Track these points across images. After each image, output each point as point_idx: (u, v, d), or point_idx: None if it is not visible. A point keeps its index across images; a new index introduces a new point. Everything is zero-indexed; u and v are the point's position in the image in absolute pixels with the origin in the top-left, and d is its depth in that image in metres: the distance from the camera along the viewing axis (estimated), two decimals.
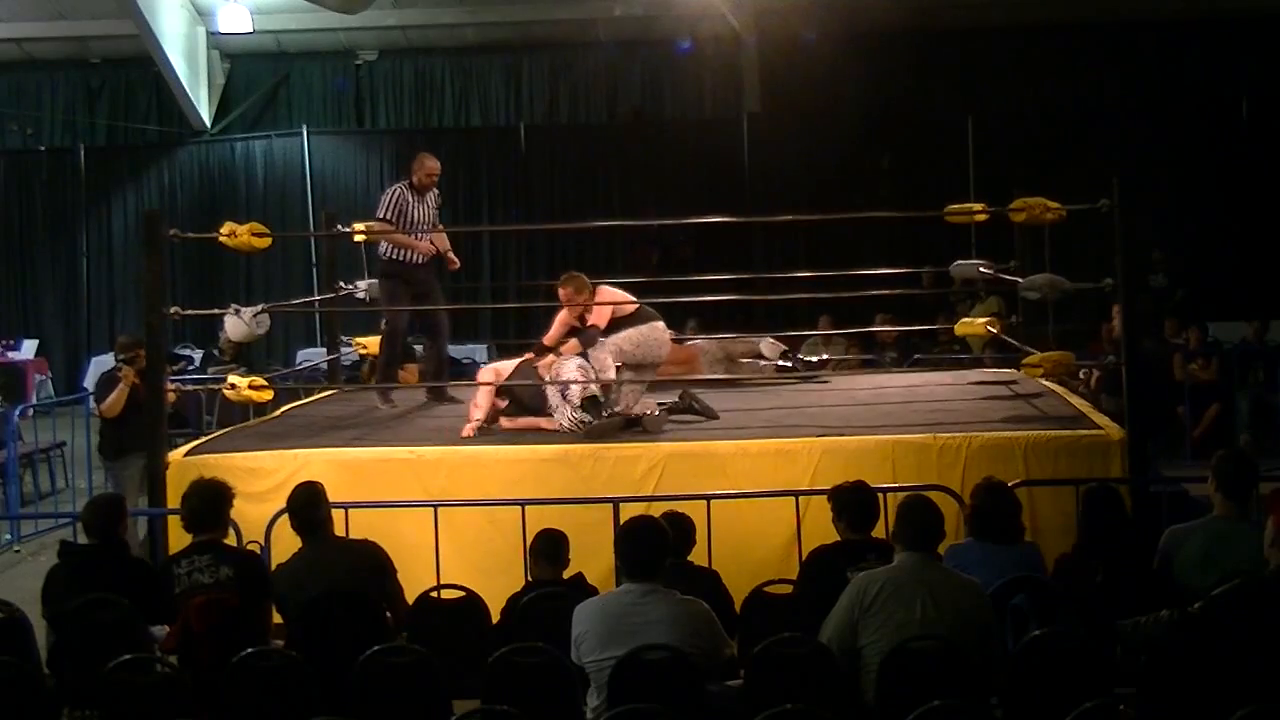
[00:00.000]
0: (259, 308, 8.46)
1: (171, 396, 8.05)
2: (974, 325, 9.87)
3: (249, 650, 4.63)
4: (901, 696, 4.24)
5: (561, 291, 7.74)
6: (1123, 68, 16.49)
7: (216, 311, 9.11)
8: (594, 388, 7.42)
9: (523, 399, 7.66)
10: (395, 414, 8.40)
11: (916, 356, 11.61)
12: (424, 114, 17.88)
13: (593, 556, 5.93)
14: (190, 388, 8.22)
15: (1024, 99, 16.48)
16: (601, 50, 17.34)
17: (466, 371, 11.79)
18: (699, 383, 8.40)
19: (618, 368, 7.57)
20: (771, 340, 9.45)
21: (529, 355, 7.87)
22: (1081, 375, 8.04)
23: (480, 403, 7.59)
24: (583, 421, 7.27)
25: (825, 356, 11.44)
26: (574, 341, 7.67)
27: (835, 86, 16.09)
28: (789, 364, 9.46)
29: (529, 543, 5.69)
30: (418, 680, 4.60)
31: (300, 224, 17.08)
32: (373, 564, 5.34)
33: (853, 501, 5.36)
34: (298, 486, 5.58)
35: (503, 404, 7.69)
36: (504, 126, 17.60)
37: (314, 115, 17.91)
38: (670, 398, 7.89)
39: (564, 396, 7.43)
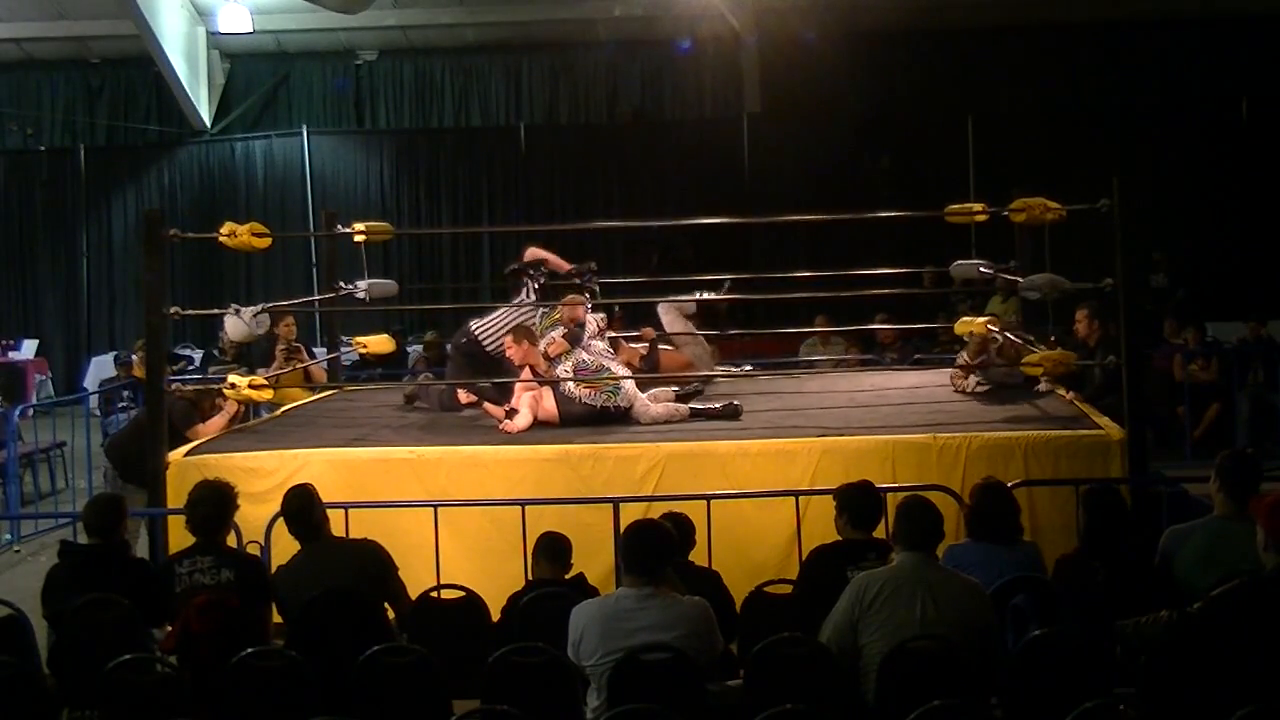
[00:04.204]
0: (259, 308, 8.45)
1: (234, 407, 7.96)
2: (973, 324, 9.84)
3: (249, 650, 4.63)
4: (901, 696, 4.25)
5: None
6: (1123, 68, 16.49)
7: (216, 311, 9.10)
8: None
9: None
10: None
11: (917, 356, 11.59)
12: (424, 114, 17.90)
13: (593, 557, 5.94)
14: (190, 387, 8.18)
15: (1024, 99, 16.50)
16: (601, 50, 17.35)
17: None
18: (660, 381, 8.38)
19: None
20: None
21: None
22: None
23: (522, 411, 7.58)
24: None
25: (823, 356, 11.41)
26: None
27: (835, 86, 16.12)
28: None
29: (532, 545, 5.68)
30: (418, 680, 4.60)
31: (300, 224, 17.09)
32: (373, 563, 5.33)
33: (855, 499, 5.35)
34: (288, 493, 5.54)
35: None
36: (504, 126, 17.61)
37: (314, 115, 17.92)
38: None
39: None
